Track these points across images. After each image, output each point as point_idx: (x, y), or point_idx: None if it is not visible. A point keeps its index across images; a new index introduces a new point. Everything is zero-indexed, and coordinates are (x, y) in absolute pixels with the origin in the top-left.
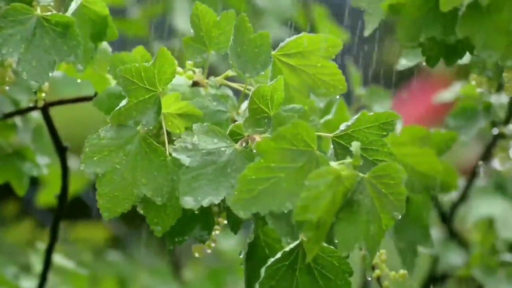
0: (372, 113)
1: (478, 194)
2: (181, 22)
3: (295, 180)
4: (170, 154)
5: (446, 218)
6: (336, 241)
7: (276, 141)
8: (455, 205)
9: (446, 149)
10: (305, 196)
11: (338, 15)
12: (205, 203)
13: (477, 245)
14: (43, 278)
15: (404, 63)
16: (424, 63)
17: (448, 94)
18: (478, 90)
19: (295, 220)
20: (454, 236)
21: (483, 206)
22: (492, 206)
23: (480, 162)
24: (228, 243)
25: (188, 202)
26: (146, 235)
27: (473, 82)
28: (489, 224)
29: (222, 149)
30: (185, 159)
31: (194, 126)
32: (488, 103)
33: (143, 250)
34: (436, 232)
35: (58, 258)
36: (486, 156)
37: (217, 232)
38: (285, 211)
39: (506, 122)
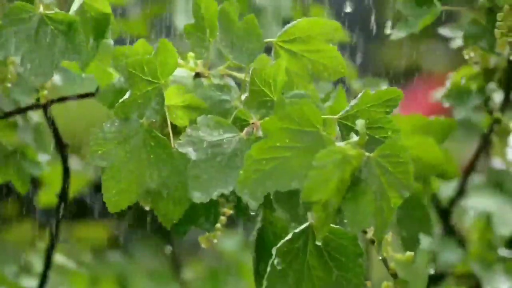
0: (374, 91)
1: (475, 190)
2: (181, 22)
3: (301, 160)
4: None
5: (444, 214)
6: (345, 221)
7: (282, 121)
8: (452, 201)
9: (446, 136)
10: (313, 176)
11: (337, 15)
12: (214, 195)
13: (475, 241)
14: (43, 278)
15: (395, 33)
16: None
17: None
18: (473, 66)
19: (303, 201)
20: (452, 233)
21: (480, 203)
22: (489, 202)
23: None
24: (228, 243)
25: (197, 196)
26: (146, 235)
27: (467, 56)
28: (487, 220)
29: (228, 139)
30: (191, 153)
31: (198, 119)
32: (482, 83)
33: (143, 250)
34: (435, 229)
35: (58, 258)
36: (484, 149)
37: (223, 222)
38: (291, 190)
39: (502, 109)
